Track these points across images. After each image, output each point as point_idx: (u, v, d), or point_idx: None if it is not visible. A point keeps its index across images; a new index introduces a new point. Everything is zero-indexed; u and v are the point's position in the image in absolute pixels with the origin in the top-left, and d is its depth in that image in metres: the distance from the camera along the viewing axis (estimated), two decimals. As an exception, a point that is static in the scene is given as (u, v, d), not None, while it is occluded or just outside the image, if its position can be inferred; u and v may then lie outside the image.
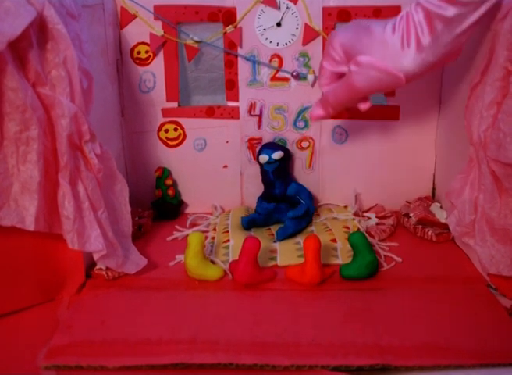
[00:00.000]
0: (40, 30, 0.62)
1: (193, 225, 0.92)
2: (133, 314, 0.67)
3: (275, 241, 0.84)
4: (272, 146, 0.90)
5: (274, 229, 0.88)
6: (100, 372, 0.57)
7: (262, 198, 0.92)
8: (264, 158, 0.89)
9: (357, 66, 0.68)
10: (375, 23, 0.68)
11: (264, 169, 0.90)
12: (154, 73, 0.91)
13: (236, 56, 0.89)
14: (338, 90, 0.73)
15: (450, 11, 0.61)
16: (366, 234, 0.78)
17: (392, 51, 0.65)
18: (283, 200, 0.90)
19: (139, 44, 0.89)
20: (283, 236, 0.84)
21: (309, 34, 0.88)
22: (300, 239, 0.83)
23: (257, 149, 0.92)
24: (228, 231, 0.86)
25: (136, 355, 0.59)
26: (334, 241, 0.82)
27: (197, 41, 0.88)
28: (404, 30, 0.65)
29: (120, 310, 0.68)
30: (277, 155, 0.88)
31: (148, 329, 0.63)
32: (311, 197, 0.91)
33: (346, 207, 0.95)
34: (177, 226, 0.91)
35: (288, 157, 0.92)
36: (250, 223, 0.88)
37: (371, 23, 0.69)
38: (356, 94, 0.71)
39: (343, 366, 0.56)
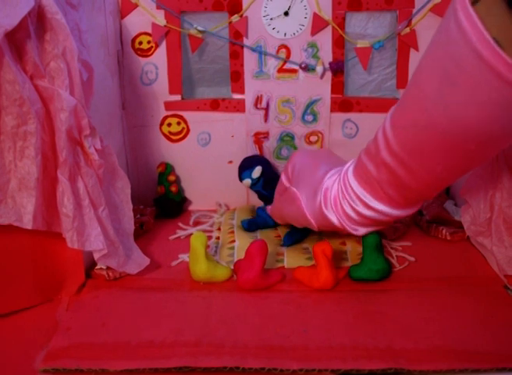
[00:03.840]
0: (38, 20, 0.62)
1: (196, 223, 0.92)
2: (135, 316, 0.67)
3: (282, 245, 0.83)
4: (246, 166, 0.90)
5: (281, 231, 0.87)
6: (101, 375, 0.57)
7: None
8: (247, 182, 0.88)
9: (289, 194, 0.75)
10: (324, 165, 0.75)
11: (254, 190, 0.91)
12: (157, 64, 0.91)
13: (242, 47, 0.89)
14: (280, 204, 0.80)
15: (362, 209, 0.68)
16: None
17: (313, 199, 0.71)
18: None
19: (140, 34, 0.89)
20: (290, 242, 0.84)
21: (318, 24, 0.87)
22: (307, 245, 0.83)
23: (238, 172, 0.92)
24: (233, 231, 0.86)
25: (139, 358, 0.58)
26: (343, 244, 0.82)
27: (201, 31, 0.88)
28: (323, 191, 0.71)
29: (121, 311, 0.68)
30: (257, 172, 0.88)
31: (151, 331, 0.63)
32: None
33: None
34: (180, 224, 0.91)
35: (267, 164, 0.91)
36: (251, 225, 0.88)
37: (322, 162, 0.75)
38: (283, 213, 0.79)
39: (354, 370, 0.56)
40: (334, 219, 0.69)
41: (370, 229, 0.70)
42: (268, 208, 0.87)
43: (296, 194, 0.73)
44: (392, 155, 0.61)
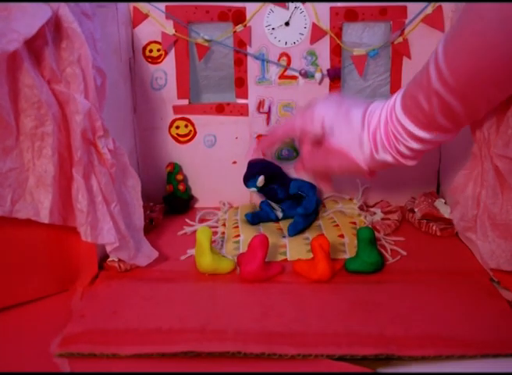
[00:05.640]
0: (55, 28, 0.63)
1: (202, 220, 0.92)
2: (144, 304, 0.67)
3: (284, 236, 0.84)
4: (250, 174, 0.84)
5: (283, 224, 0.88)
6: (112, 359, 0.58)
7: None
8: (253, 191, 0.85)
9: (331, 150, 0.70)
10: (356, 109, 0.69)
11: (261, 193, 0.87)
12: (166, 71, 0.91)
13: (246, 55, 0.90)
14: (316, 158, 0.74)
15: (414, 145, 0.63)
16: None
17: (360, 147, 0.67)
18: (288, 199, 0.89)
19: (151, 42, 0.90)
20: (295, 231, 0.84)
21: (317, 33, 0.88)
22: (308, 234, 0.83)
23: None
24: (238, 226, 0.86)
25: (148, 343, 0.59)
26: (341, 236, 0.82)
27: (207, 40, 0.89)
28: (371, 136, 0.66)
29: (132, 300, 0.68)
30: (260, 182, 0.83)
31: (159, 319, 0.64)
32: (313, 189, 0.89)
33: (351, 199, 0.95)
34: (187, 220, 0.92)
35: (271, 170, 0.85)
36: (254, 218, 0.88)
37: (351, 107, 0.69)
38: (329, 169, 0.72)
39: (348, 356, 0.57)
40: (389, 158, 0.66)
41: (420, 158, 0.67)
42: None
43: (343, 150, 0.68)
44: (444, 84, 0.57)
